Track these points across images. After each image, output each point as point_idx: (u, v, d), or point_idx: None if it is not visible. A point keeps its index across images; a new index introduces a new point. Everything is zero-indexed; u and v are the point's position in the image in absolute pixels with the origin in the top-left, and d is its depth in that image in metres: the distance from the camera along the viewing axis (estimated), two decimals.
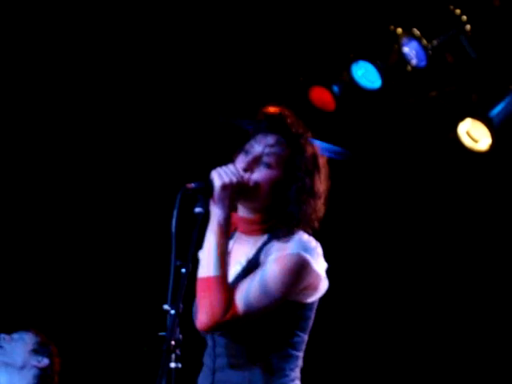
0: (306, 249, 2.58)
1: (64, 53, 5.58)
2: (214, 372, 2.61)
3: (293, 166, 2.68)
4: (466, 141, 5.34)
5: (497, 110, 5.19)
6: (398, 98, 5.71)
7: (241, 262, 2.68)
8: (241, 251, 2.72)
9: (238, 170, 2.65)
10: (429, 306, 6.39)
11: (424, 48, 5.25)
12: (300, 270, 2.56)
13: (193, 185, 2.59)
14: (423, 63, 5.29)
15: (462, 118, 5.31)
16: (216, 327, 2.51)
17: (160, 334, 2.32)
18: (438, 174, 6.14)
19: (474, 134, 5.29)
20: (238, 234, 2.78)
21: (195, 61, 5.70)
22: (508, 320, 6.12)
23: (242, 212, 2.73)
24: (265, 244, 2.67)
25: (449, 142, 5.48)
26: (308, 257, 2.56)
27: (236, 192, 2.63)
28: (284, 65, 5.75)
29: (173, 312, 2.35)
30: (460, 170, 5.94)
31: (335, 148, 5.77)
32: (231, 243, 2.75)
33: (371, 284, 6.04)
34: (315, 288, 2.60)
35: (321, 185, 2.71)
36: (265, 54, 5.69)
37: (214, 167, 2.73)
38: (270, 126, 2.75)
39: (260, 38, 5.62)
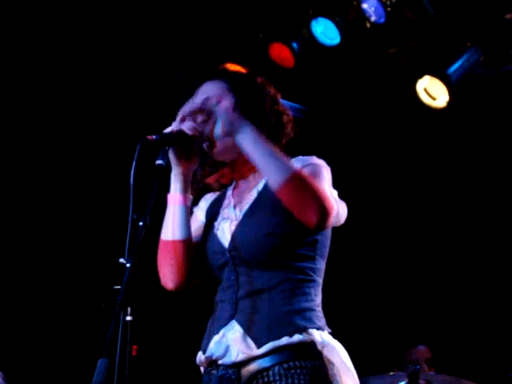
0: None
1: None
2: (236, 303, 2.61)
3: (238, 94, 2.72)
4: (424, 98, 5.37)
5: (454, 68, 5.22)
6: (357, 54, 5.72)
7: (252, 195, 2.69)
8: (246, 188, 2.74)
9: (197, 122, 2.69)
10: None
11: (383, 4, 5.25)
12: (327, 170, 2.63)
13: (154, 137, 2.54)
14: (382, 20, 5.30)
15: (420, 76, 5.33)
16: (327, 219, 2.47)
17: (115, 287, 2.31)
18: (397, 131, 6.18)
19: (432, 91, 5.33)
20: (234, 184, 2.80)
21: (156, 17, 5.64)
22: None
23: (230, 162, 2.75)
24: None
25: (407, 98, 5.51)
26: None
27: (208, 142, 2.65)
28: (243, 22, 5.72)
29: (129, 265, 2.33)
30: (418, 127, 5.99)
31: (294, 105, 5.78)
32: (229, 192, 2.79)
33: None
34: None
35: (273, 103, 2.74)
36: (224, 11, 5.65)
37: (173, 120, 2.74)
38: (199, 79, 2.80)
39: None
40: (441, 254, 6.43)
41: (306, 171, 2.55)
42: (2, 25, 5.34)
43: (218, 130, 2.62)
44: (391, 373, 5.00)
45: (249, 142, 2.55)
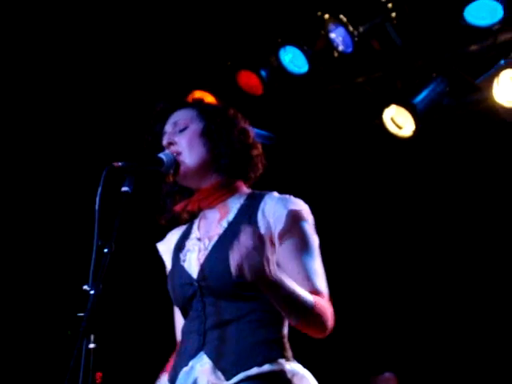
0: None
1: None
2: (204, 334, 2.61)
3: (206, 120, 2.77)
4: (391, 127, 5.42)
5: (420, 97, 5.27)
6: (325, 83, 5.75)
7: (222, 226, 2.70)
8: (214, 220, 2.74)
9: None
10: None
11: (350, 34, 5.29)
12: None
13: (120, 163, 2.56)
14: (350, 49, 5.34)
15: (387, 105, 5.38)
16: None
17: (79, 314, 2.30)
18: (363, 160, 6.22)
19: (398, 121, 5.37)
20: (200, 215, 2.81)
21: (126, 45, 5.64)
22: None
23: (196, 189, 2.77)
24: (245, 206, 2.71)
25: (374, 127, 5.55)
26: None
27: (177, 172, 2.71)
28: (212, 49, 5.74)
29: (92, 292, 2.33)
30: (384, 156, 6.04)
31: (262, 132, 5.80)
32: (195, 225, 2.80)
33: None
34: None
35: (242, 135, 2.79)
36: (192, 37, 5.67)
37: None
38: (172, 106, 2.85)
39: (187, 22, 5.60)
40: (409, 278, 6.46)
41: (297, 237, 2.59)
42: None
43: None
44: None
45: (276, 293, 2.47)
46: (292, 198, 2.66)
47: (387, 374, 5.82)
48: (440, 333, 6.34)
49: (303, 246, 2.60)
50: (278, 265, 2.52)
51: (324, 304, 2.55)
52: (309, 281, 2.55)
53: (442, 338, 6.32)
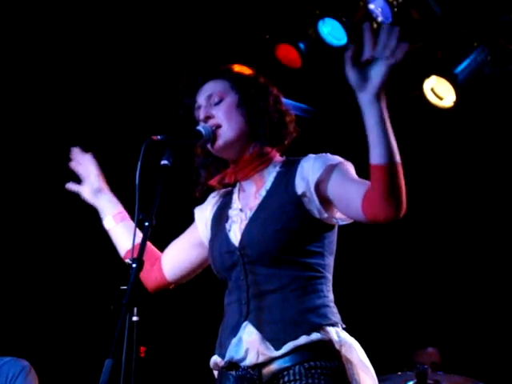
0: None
1: None
2: (247, 302, 2.61)
3: (240, 91, 2.76)
4: (431, 98, 5.37)
5: (461, 67, 5.22)
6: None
7: (260, 195, 2.71)
8: (251, 191, 2.75)
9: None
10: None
11: (389, 5, 5.25)
12: None
13: (159, 137, 2.56)
14: (389, 20, 5.29)
15: (427, 75, 5.33)
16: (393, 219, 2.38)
17: (122, 287, 2.32)
18: (404, 130, 6.15)
19: (439, 91, 5.32)
20: (238, 186, 2.81)
21: (163, 18, 5.64)
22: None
23: (233, 161, 2.77)
24: (281, 172, 2.71)
25: (414, 98, 5.50)
26: None
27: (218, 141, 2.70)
28: (250, 23, 5.72)
29: (135, 265, 2.34)
30: (425, 127, 5.98)
31: (301, 105, 5.78)
32: (234, 195, 2.80)
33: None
34: None
35: (276, 103, 2.79)
36: (231, 12, 5.65)
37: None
38: (202, 78, 2.83)
39: None
40: (453, 255, 6.41)
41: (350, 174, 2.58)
42: (2, 25, 5.33)
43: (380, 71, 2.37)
44: (399, 373, 4.98)
45: (383, 107, 2.41)
46: (329, 154, 2.66)
47: (430, 349, 5.81)
48: (484, 308, 6.29)
49: (347, 173, 2.58)
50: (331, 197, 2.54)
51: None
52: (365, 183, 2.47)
53: (486, 314, 6.28)
